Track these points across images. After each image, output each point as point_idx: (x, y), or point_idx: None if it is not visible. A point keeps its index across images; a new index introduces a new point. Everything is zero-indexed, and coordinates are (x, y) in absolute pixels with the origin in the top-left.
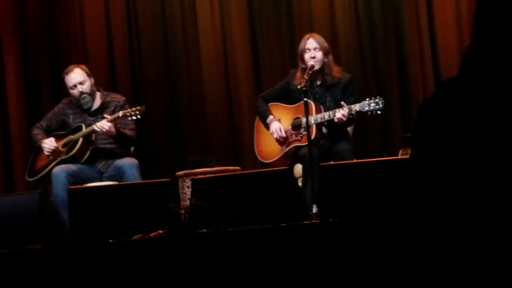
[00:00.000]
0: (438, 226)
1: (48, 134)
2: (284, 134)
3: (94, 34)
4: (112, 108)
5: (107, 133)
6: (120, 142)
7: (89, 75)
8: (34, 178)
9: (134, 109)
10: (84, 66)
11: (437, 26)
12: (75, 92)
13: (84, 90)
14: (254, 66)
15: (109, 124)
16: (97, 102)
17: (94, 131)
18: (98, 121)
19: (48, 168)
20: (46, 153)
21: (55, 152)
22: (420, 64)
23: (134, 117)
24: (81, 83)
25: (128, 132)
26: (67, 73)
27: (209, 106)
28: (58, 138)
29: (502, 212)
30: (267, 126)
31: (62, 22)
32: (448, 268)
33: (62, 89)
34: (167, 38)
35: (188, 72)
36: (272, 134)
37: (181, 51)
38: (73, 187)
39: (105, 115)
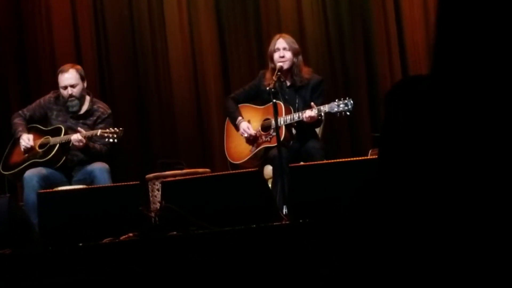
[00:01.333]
0: (404, 226)
1: (29, 125)
2: (253, 133)
3: (61, 37)
4: (95, 118)
5: (78, 147)
6: (89, 156)
7: (82, 79)
8: (7, 173)
9: (112, 131)
10: (80, 68)
11: (404, 25)
12: (64, 92)
13: (74, 94)
14: (223, 67)
15: (82, 139)
16: (84, 107)
17: (69, 140)
18: (78, 126)
19: (22, 167)
20: (22, 149)
21: (31, 151)
22: (388, 64)
23: (110, 140)
24: (72, 86)
25: (98, 147)
26: (61, 72)
27: (178, 108)
28: (36, 133)
29: (468, 211)
30: (236, 127)
31: (29, 26)
32: (415, 267)
33: (31, 93)
34: (135, 40)
35: (156, 74)
36: (241, 134)
37: (149, 53)
38: (42, 191)
39: (79, 129)
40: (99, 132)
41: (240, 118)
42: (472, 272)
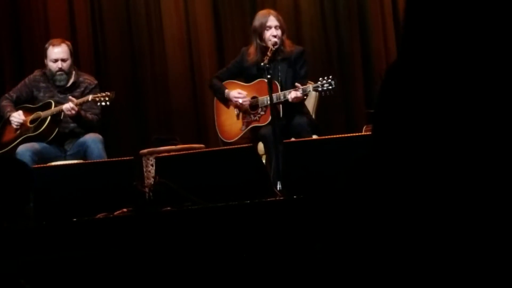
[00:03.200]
0: (398, 202)
1: (16, 106)
2: (245, 94)
3: (57, 14)
4: (82, 89)
5: (70, 115)
6: (81, 126)
7: (71, 54)
8: (0, 151)
9: (104, 94)
10: (69, 43)
11: (400, 2)
12: (53, 66)
13: (63, 68)
14: (217, 45)
15: (74, 107)
16: (70, 81)
17: (61, 111)
18: (66, 100)
19: (15, 143)
20: (14, 126)
21: (22, 127)
22: (383, 40)
23: (103, 103)
24: (63, 60)
25: (90, 116)
26: (53, 45)
27: (173, 84)
28: (26, 111)
29: (461, 191)
30: (225, 101)
31: (23, 1)
32: (410, 245)
33: (26, 69)
34: (129, 15)
35: (151, 51)
36: (235, 101)
37: (144, 30)
38: (37, 166)
39: (70, 98)
40: (90, 97)
41: (227, 90)
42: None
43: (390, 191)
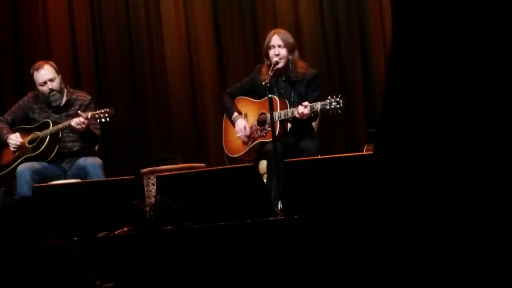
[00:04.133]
0: (399, 221)
1: (12, 128)
2: (248, 133)
3: (58, 32)
4: (77, 107)
5: (80, 130)
6: (87, 141)
7: (57, 72)
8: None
9: (103, 111)
10: (52, 63)
11: None
12: (44, 89)
13: (54, 87)
14: (218, 63)
15: (85, 120)
16: (64, 99)
17: (69, 126)
18: (62, 119)
19: (14, 165)
20: (12, 149)
21: (21, 148)
22: (384, 59)
23: (103, 120)
24: (51, 80)
25: (95, 131)
26: (37, 69)
27: (173, 103)
28: (23, 132)
29: (464, 208)
30: (232, 123)
31: (25, 20)
32: (409, 263)
33: (26, 86)
34: (131, 35)
35: (152, 69)
36: (236, 133)
37: (145, 48)
38: (37, 185)
39: (80, 112)
40: (89, 114)
41: (236, 114)
42: (468, 271)
43: (391, 211)
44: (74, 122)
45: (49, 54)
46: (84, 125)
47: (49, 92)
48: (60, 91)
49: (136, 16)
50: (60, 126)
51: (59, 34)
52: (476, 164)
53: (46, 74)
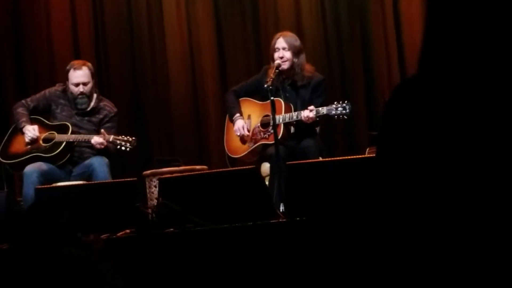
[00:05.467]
0: (402, 224)
1: (31, 116)
2: (246, 133)
3: (60, 34)
4: (101, 116)
5: (97, 148)
6: (102, 154)
7: (93, 76)
8: (7, 161)
9: (125, 139)
10: (90, 65)
11: (403, 23)
12: (75, 89)
13: (84, 91)
14: (220, 65)
15: (104, 142)
16: (91, 104)
17: (87, 141)
18: (83, 123)
19: (23, 158)
20: (26, 140)
21: (34, 143)
22: (386, 62)
23: (122, 148)
24: (84, 84)
25: (111, 151)
26: (74, 68)
27: (175, 105)
28: (41, 126)
29: (467, 210)
30: (233, 122)
31: (27, 22)
32: (412, 266)
33: (28, 88)
34: (132, 36)
35: (154, 71)
36: (235, 132)
37: (147, 50)
38: (40, 186)
39: (102, 131)
40: (111, 138)
41: (237, 115)
42: (470, 272)
43: (393, 214)
44: (94, 141)
45: (51, 55)
46: (102, 146)
47: (78, 95)
48: (89, 96)
49: (138, 17)
50: (79, 137)
51: (61, 36)
52: (480, 168)
53: (81, 77)
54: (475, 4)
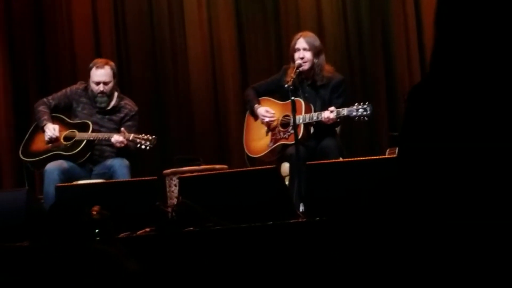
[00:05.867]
0: (423, 225)
1: (52, 114)
2: (273, 117)
3: (81, 33)
4: (122, 115)
5: (117, 147)
6: (123, 152)
7: (114, 76)
8: (28, 159)
9: (145, 137)
10: (113, 64)
11: (424, 25)
12: (96, 88)
13: (105, 91)
14: (241, 65)
15: (124, 140)
16: (111, 103)
17: (108, 139)
18: (104, 122)
19: (44, 156)
20: (46, 138)
21: (55, 141)
22: (407, 63)
23: (142, 146)
24: (105, 83)
25: (131, 149)
26: (96, 66)
27: (196, 104)
28: (61, 124)
29: (487, 211)
30: (254, 114)
31: (49, 21)
32: (434, 267)
33: (50, 88)
34: (154, 36)
35: (174, 70)
36: (262, 119)
37: (168, 49)
38: (60, 184)
39: (123, 130)
40: (131, 136)
41: (257, 105)
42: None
43: (415, 214)
44: (114, 139)
45: (73, 55)
46: (122, 145)
47: (98, 93)
48: (109, 96)
49: (160, 17)
50: (99, 136)
51: (83, 35)
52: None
53: (103, 76)
54: (484, 7)
